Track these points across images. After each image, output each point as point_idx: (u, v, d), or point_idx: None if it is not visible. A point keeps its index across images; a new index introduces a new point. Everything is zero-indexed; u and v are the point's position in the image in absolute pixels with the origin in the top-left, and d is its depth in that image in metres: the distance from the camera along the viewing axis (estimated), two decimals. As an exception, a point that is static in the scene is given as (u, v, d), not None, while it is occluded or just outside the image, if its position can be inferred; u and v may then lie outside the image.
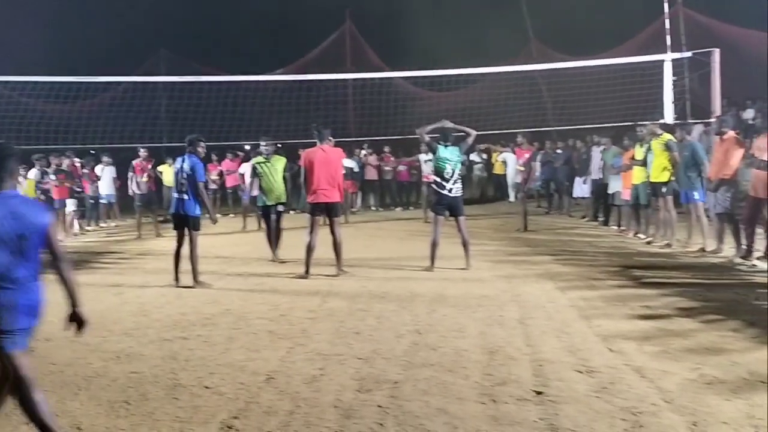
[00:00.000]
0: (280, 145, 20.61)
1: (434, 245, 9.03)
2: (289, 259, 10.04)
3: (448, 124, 9.30)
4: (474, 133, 9.45)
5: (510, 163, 19.78)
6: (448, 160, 8.96)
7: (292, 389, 4.58)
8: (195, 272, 8.53)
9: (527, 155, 13.61)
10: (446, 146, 9.03)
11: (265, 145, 10.47)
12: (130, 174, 16.95)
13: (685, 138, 10.25)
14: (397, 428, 3.87)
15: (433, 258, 9.05)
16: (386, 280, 8.58)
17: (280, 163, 10.43)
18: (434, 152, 9.08)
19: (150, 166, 15.26)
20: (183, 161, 8.61)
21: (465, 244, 9.12)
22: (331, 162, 8.94)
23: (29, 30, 23.17)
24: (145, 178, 14.86)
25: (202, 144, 8.84)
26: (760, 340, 5.35)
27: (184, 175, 8.52)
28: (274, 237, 10.33)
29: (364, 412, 4.12)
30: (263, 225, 11.11)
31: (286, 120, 18.38)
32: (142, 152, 15.19)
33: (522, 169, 13.52)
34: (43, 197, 13.64)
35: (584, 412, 3.99)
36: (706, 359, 4.89)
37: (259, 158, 10.55)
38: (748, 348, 5.16)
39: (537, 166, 14.24)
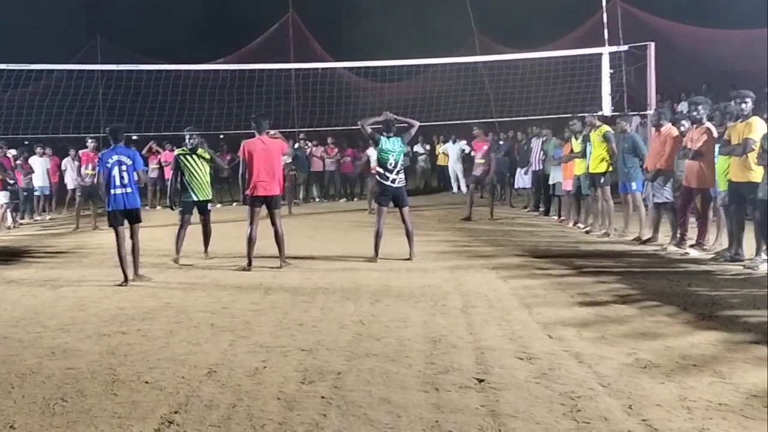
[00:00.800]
0: (222, 136, 20.38)
1: (378, 236, 9.05)
2: (225, 254, 9.91)
3: (391, 116, 9.30)
4: (417, 124, 9.48)
5: (452, 155, 19.98)
6: (390, 150, 8.98)
7: (234, 382, 4.52)
8: (136, 265, 8.35)
9: (485, 147, 13.76)
10: (389, 137, 9.04)
11: (190, 137, 9.71)
12: (73, 164, 16.53)
13: (625, 129, 10.50)
14: (340, 419, 3.87)
15: (377, 249, 9.06)
16: (330, 271, 8.56)
17: (206, 155, 9.79)
18: (377, 143, 9.07)
19: (98, 159, 14.81)
20: (118, 153, 8.22)
21: (409, 235, 9.16)
22: (270, 154, 8.84)
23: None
24: (90, 170, 14.42)
25: (124, 132, 8.68)
26: (692, 324, 5.55)
27: (124, 167, 8.18)
28: (204, 236, 9.79)
29: (308, 403, 4.10)
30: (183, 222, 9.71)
31: (228, 110, 18.11)
32: (90, 143, 14.72)
33: (482, 161, 13.70)
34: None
35: (524, 398, 4.06)
36: (641, 344, 5.04)
37: (183, 149, 9.73)
38: (681, 332, 5.34)
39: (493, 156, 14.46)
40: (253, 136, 8.96)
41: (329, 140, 19.70)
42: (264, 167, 8.75)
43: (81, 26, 23.54)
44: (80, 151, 15.05)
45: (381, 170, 9.05)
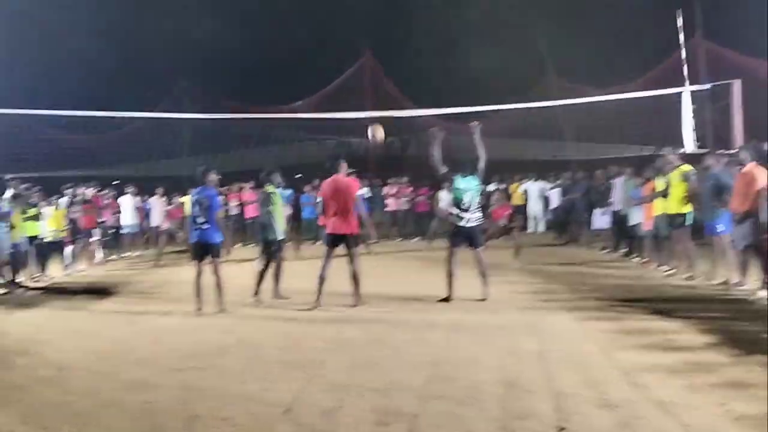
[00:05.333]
0: (298, 176, 20.82)
1: (450, 276, 8.93)
2: (298, 291, 10.00)
3: (438, 133, 9.14)
4: (482, 157, 9.05)
5: (531, 194, 19.76)
6: (465, 189, 8.89)
7: (310, 421, 4.51)
8: (221, 299, 8.75)
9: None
10: (464, 176, 8.97)
11: (270, 174, 9.84)
12: (159, 204, 17.41)
13: (709, 167, 10.10)
14: (413, 462, 3.79)
15: (449, 288, 8.95)
16: (403, 310, 8.50)
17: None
18: (451, 183, 9.01)
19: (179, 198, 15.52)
20: (199, 192, 8.86)
21: (483, 275, 9.01)
22: (344, 192, 8.84)
23: (57, 66, 23.84)
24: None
25: (213, 174, 9.05)
26: (787, 375, 5.20)
27: (202, 206, 8.75)
28: (277, 275, 9.78)
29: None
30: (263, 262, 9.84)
31: (305, 151, 18.55)
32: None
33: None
34: (70, 226, 13.85)
35: (606, 448, 3.88)
36: (731, 393, 4.76)
37: (271, 187, 9.82)
38: (775, 383, 5.01)
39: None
40: (330, 176, 9.05)
41: (403, 179, 19.80)
42: (337, 206, 8.82)
43: (166, 73, 24.76)
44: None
45: (455, 210, 8.97)
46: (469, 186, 8.91)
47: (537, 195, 19.76)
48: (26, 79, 20.75)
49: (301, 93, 23.63)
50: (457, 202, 8.93)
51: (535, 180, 19.80)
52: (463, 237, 8.95)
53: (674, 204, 10.34)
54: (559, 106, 18.82)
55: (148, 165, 18.22)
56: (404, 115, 19.49)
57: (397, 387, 5.21)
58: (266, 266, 9.68)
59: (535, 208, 20.00)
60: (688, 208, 10.25)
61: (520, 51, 23.85)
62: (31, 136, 16.38)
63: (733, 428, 4.13)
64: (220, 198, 9.12)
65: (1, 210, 11.50)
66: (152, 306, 9.57)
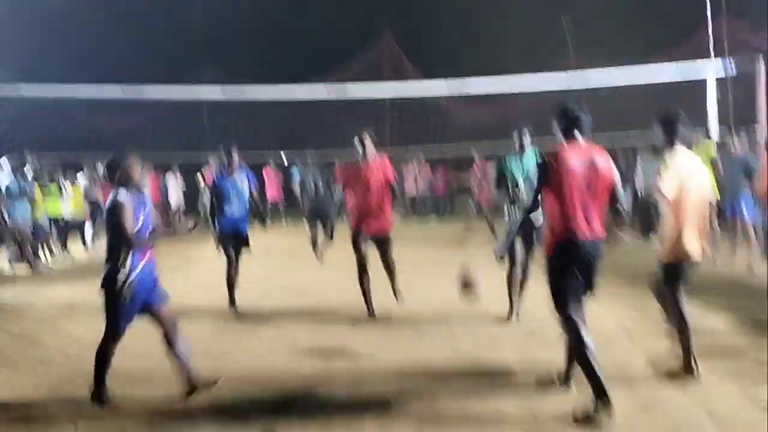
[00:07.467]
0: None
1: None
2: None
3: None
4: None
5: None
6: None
7: (332, 397, 4.67)
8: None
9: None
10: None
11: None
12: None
13: (734, 151, 9.93)
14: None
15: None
16: (421, 292, 8.35)
17: None
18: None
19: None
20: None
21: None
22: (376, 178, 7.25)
23: (84, 50, 24.04)
24: None
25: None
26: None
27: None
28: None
29: (400, 423, 4.12)
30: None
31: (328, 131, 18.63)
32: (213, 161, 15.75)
33: None
34: (89, 206, 14.00)
35: (630, 432, 3.91)
36: (753, 378, 4.80)
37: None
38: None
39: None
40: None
41: (421, 160, 19.75)
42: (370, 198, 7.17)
43: (191, 52, 24.83)
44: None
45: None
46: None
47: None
48: (53, 61, 20.89)
49: (318, 69, 23.46)
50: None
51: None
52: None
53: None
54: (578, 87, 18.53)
55: (172, 146, 18.43)
56: (424, 95, 19.43)
57: (418, 365, 5.30)
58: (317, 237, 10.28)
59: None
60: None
61: (543, 29, 23.56)
62: (56, 117, 16.57)
63: (753, 412, 4.14)
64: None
65: (21, 186, 11.49)
66: (176, 285, 9.56)
